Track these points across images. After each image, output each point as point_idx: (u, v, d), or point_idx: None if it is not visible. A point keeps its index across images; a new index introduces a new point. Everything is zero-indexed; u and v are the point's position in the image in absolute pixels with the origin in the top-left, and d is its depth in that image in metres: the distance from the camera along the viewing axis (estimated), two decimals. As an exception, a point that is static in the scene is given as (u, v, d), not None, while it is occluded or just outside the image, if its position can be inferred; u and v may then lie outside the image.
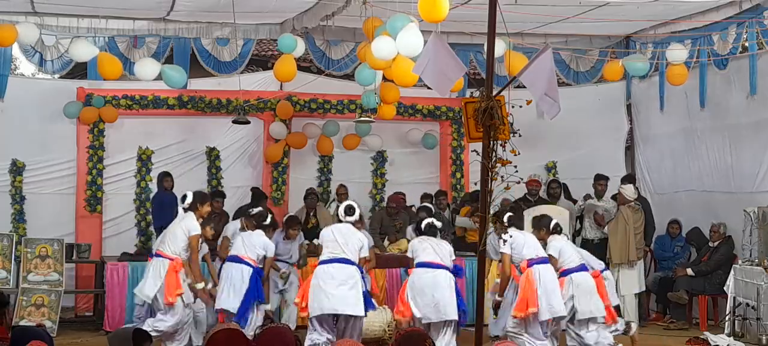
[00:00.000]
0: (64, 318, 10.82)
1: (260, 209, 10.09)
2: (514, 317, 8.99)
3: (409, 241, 11.51)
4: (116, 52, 12.01)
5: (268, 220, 9.73)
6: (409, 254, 9.45)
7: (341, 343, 7.75)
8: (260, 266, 9.46)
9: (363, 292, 9.06)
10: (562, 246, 9.42)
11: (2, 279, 10.66)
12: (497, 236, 9.42)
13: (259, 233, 9.59)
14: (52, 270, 10.78)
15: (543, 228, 9.55)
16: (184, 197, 9.44)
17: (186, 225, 9.20)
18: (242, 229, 9.85)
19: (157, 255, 9.20)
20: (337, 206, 9.69)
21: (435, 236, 9.32)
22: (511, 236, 8.99)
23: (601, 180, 12.25)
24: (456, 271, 9.27)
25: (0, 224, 11.60)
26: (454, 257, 9.40)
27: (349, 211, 9.27)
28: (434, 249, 9.15)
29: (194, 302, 9.33)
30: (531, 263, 9.04)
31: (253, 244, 9.45)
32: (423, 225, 9.41)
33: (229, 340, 7.71)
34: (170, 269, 9.04)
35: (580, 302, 9.19)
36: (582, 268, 9.40)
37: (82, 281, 11.73)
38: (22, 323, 10.13)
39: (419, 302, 8.99)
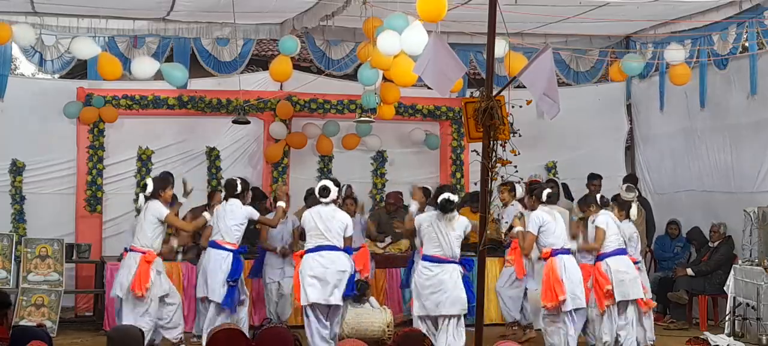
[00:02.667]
0: (64, 318, 10.81)
1: (229, 179, 9.91)
2: (545, 307, 8.97)
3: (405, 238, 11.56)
4: (116, 52, 12.00)
5: (239, 187, 9.57)
6: (415, 225, 8.86)
7: (343, 344, 7.76)
8: (241, 245, 9.46)
9: (350, 276, 9.03)
10: (609, 221, 9.38)
11: (2, 279, 10.66)
12: (520, 212, 9.30)
13: (235, 205, 9.47)
14: (52, 270, 10.78)
15: (592, 204, 9.53)
16: (145, 186, 9.43)
17: (152, 214, 9.16)
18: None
19: (131, 250, 9.28)
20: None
21: (452, 211, 8.62)
22: (541, 219, 8.96)
23: (594, 180, 12.27)
24: (463, 264, 8.80)
25: (0, 224, 11.60)
26: (463, 235, 8.77)
27: (324, 192, 9.12)
28: (440, 239, 8.58)
29: (168, 293, 9.37)
30: (555, 252, 8.95)
31: (228, 227, 9.41)
32: (439, 199, 8.57)
33: (229, 340, 7.73)
34: (142, 261, 9.06)
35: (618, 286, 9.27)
36: (620, 252, 9.38)
37: (82, 281, 11.73)
38: (22, 323, 10.13)
39: (424, 300, 8.76)
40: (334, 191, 9.16)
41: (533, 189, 9.25)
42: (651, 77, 13.24)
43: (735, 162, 11.76)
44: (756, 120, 11.38)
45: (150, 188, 9.30)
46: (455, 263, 8.66)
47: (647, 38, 12.67)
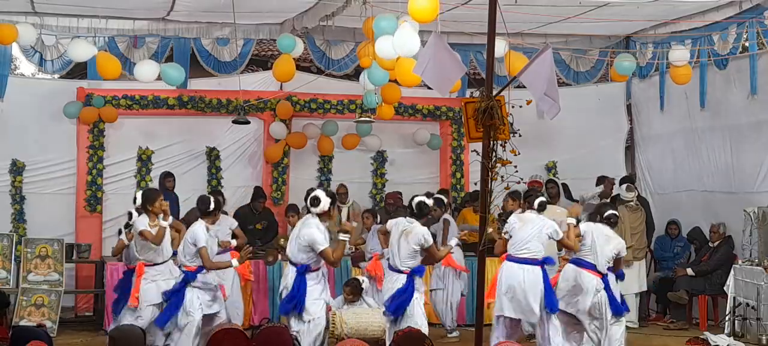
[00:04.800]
0: (64, 318, 10.82)
1: (205, 195, 9.11)
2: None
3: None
4: (116, 52, 12.00)
5: (212, 206, 8.66)
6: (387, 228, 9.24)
7: (343, 344, 7.75)
8: (196, 269, 8.41)
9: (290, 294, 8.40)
10: (590, 231, 8.95)
11: (2, 279, 10.66)
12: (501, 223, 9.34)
13: (195, 224, 8.53)
14: (52, 270, 10.78)
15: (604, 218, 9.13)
16: (134, 199, 9.10)
17: (135, 229, 8.74)
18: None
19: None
20: (336, 206, 9.52)
21: (420, 216, 8.96)
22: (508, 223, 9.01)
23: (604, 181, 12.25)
24: (413, 273, 8.90)
25: (0, 224, 11.61)
26: (410, 255, 8.88)
27: (314, 202, 8.36)
28: (393, 249, 8.94)
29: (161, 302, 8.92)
30: (510, 258, 8.91)
31: (182, 248, 8.57)
32: (414, 202, 8.97)
33: (229, 340, 7.72)
34: (136, 274, 8.84)
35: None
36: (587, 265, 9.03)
37: (82, 281, 11.74)
38: (22, 323, 10.14)
39: None
40: (324, 202, 8.30)
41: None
42: (651, 77, 13.25)
43: (735, 162, 11.76)
44: (756, 120, 11.37)
45: (138, 201, 8.88)
46: (399, 272, 8.88)
47: (647, 38, 12.67)
